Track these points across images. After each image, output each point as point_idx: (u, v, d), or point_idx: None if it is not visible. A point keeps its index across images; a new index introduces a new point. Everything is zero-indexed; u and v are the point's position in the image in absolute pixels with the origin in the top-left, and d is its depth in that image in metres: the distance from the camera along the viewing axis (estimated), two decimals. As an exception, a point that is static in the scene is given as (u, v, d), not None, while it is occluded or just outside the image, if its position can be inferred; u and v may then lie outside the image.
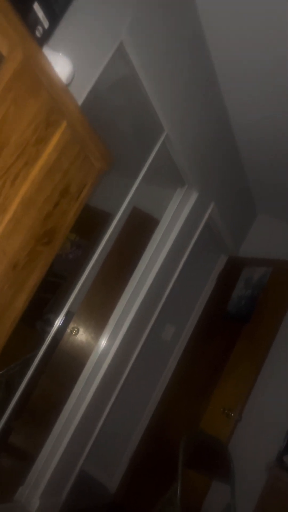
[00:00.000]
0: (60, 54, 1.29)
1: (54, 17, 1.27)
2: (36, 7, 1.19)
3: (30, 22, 1.19)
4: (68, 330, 3.25)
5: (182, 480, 2.37)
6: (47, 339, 2.45)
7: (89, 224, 3.30)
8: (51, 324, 3.06)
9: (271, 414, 3.10)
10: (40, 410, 2.95)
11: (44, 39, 1.28)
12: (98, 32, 1.78)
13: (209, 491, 2.94)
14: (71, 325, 3.26)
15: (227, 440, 2.95)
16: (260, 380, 3.11)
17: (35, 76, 1.09)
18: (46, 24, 1.24)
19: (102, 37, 1.81)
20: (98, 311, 3.20)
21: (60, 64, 1.26)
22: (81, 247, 3.77)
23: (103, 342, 2.75)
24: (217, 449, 2.76)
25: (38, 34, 1.24)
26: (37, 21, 1.21)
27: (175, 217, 2.93)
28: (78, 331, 3.25)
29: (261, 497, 2.60)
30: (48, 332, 2.75)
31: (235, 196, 3.56)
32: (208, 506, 2.88)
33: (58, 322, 2.60)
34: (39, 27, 1.22)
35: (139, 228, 3.29)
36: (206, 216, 3.14)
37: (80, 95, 1.80)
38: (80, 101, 1.80)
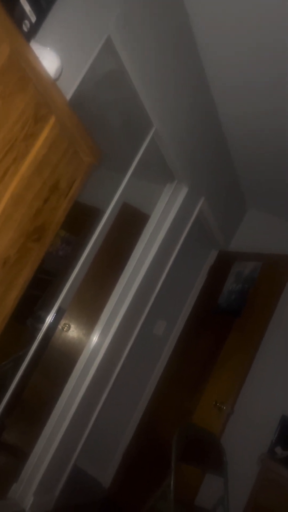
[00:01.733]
0: (48, 48, 1.28)
1: (41, 11, 1.26)
2: (23, 1, 1.18)
3: (16, 16, 1.18)
4: (60, 327, 3.24)
5: (175, 474, 2.39)
6: (38, 336, 2.44)
7: (79, 220, 3.28)
8: (42, 321, 3.05)
9: (263, 407, 3.13)
10: (33, 407, 2.94)
11: (31, 33, 1.26)
12: (85, 26, 1.76)
13: (202, 484, 2.96)
14: (62, 322, 3.25)
15: (220, 433, 2.97)
16: (252, 373, 3.13)
17: (23, 71, 1.08)
18: (33, 19, 1.23)
19: (90, 32, 1.80)
20: (89, 307, 3.20)
21: (47, 59, 1.24)
22: (71, 244, 3.76)
23: (94, 338, 2.75)
24: (210, 442, 2.79)
25: (25, 28, 1.23)
26: (24, 16, 1.20)
27: (165, 212, 2.93)
28: (69, 327, 3.24)
29: (254, 488, 2.63)
30: (39, 329, 2.75)
31: (225, 191, 3.57)
32: (201, 499, 2.90)
33: (49, 319, 2.59)
34: (26, 22, 1.21)
35: (130, 224, 3.28)
36: (196, 211, 3.15)
37: (68, 90, 1.78)
38: (68, 96, 1.79)
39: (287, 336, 3.25)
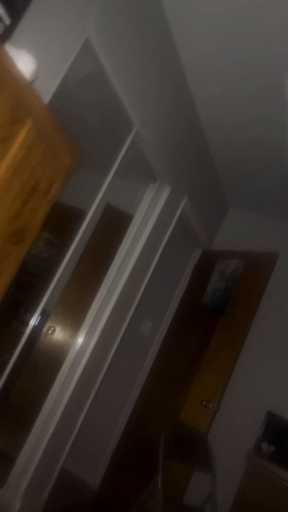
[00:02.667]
0: (24, 51, 1.28)
1: (16, 13, 1.26)
2: (-3, 3, 1.18)
3: (-10, 18, 1.17)
4: (45, 330, 3.23)
5: (163, 472, 2.40)
6: (22, 338, 2.43)
7: (63, 222, 3.28)
8: (27, 324, 3.04)
9: (248, 403, 3.17)
10: (19, 410, 2.93)
11: (5, 36, 1.26)
12: (63, 29, 1.77)
13: (191, 481, 2.98)
14: (48, 324, 3.24)
15: (207, 430, 3.00)
16: (237, 370, 3.17)
17: (-2, 73, 1.08)
18: (7, 21, 1.23)
19: (68, 34, 1.80)
20: (74, 309, 3.19)
21: (23, 61, 1.24)
22: (55, 246, 3.74)
23: (80, 339, 2.75)
24: (197, 440, 2.81)
25: (-1, 31, 1.23)
26: (-2, 18, 1.20)
27: (148, 212, 2.95)
28: (55, 330, 3.23)
29: (241, 483, 2.66)
30: (25, 332, 2.73)
31: (207, 190, 3.60)
32: (190, 496, 2.92)
33: (33, 321, 2.58)
34: (0, 24, 1.20)
35: (113, 225, 3.29)
36: (179, 210, 3.17)
37: (47, 91, 1.79)
38: (47, 97, 1.79)
39: (271, 333, 3.30)
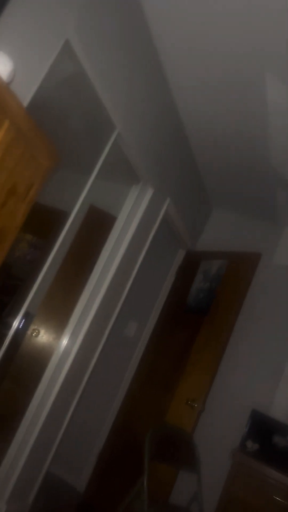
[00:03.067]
0: (0, 52, 1.27)
1: (-8, 14, 1.25)
2: (-28, 4, 1.17)
3: None
4: (29, 332, 3.21)
5: (149, 473, 2.40)
6: (5, 342, 2.41)
7: (46, 224, 3.27)
8: (10, 327, 3.02)
9: (234, 402, 3.19)
10: (3, 414, 2.90)
11: (-18, 37, 1.26)
12: (42, 30, 1.77)
13: (177, 481, 2.99)
14: (32, 327, 3.21)
15: (192, 430, 3.01)
16: (221, 369, 3.19)
17: (-27, 74, 1.08)
18: (-17, 22, 1.22)
19: (47, 35, 1.80)
20: (58, 311, 3.18)
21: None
22: (38, 248, 3.72)
23: (64, 341, 2.74)
24: (182, 440, 2.82)
25: (-24, 32, 1.22)
26: (-26, 19, 1.19)
27: (131, 214, 2.95)
28: (39, 332, 3.21)
29: (227, 482, 2.68)
30: (7, 335, 2.71)
31: (190, 192, 3.63)
32: (176, 496, 2.93)
33: (15, 324, 2.56)
34: (-24, 25, 1.20)
35: (97, 226, 3.29)
36: (162, 212, 3.18)
37: (27, 93, 1.78)
38: (27, 99, 1.79)
39: (254, 332, 3.34)
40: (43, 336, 3.21)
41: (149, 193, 2.98)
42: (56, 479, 3.32)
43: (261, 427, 3.00)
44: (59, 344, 2.76)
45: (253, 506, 2.54)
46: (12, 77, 1.32)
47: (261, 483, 2.58)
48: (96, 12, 1.99)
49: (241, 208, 3.77)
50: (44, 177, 1.39)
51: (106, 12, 2.04)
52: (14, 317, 3.06)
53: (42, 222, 3.62)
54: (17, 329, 2.77)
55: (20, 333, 3.02)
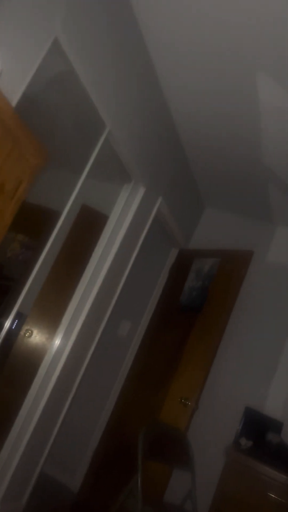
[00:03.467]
0: (-13, 50, 1.27)
1: (-22, 12, 1.24)
2: None
3: None
4: (22, 333, 3.19)
5: (142, 471, 2.40)
6: (-3, 342, 2.40)
7: (38, 223, 3.25)
8: (2, 327, 3.00)
9: (227, 400, 3.20)
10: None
11: None
12: (31, 29, 1.76)
13: (170, 479, 2.99)
14: (25, 327, 3.20)
15: (186, 428, 3.01)
16: (215, 367, 3.19)
17: None
18: None
19: (36, 34, 1.79)
20: (51, 311, 3.16)
21: (-14, 60, 1.23)
22: (31, 248, 3.71)
23: (57, 341, 2.73)
24: (176, 439, 2.82)
25: None
26: None
27: (123, 213, 2.95)
28: (31, 333, 3.20)
29: (221, 480, 2.68)
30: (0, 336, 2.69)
31: (182, 191, 3.63)
32: (170, 494, 2.93)
33: (7, 324, 2.55)
34: None
35: (89, 225, 3.28)
36: (154, 211, 3.18)
37: (16, 91, 1.77)
38: (16, 98, 1.77)
39: (247, 330, 3.35)
40: (36, 336, 3.20)
41: (141, 192, 2.98)
42: (50, 479, 3.31)
43: (254, 425, 3.00)
44: (52, 344, 2.75)
45: (247, 503, 2.55)
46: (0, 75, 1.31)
47: (255, 480, 2.59)
48: (85, 9, 1.99)
49: (233, 207, 3.78)
50: (33, 175, 1.38)
51: (95, 9, 2.04)
52: (7, 317, 3.05)
53: (34, 222, 3.61)
54: (10, 330, 2.76)
55: (13, 334, 3.00)
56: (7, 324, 2.57)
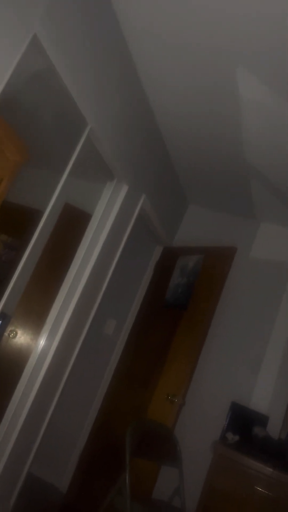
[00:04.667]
0: None
1: None
2: None
3: None
4: (6, 334, 3.16)
5: (130, 469, 2.40)
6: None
7: (20, 223, 3.23)
8: (-14, 328, 2.97)
9: (213, 395, 3.22)
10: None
11: None
12: (8, 25, 1.73)
13: (159, 476, 3.00)
14: (9, 328, 3.17)
15: (173, 425, 3.02)
16: (201, 363, 3.21)
17: None
18: None
19: (14, 30, 1.77)
20: (35, 311, 3.14)
21: None
22: (14, 248, 3.67)
23: (42, 342, 2.70)
24: (163, 435, 2.83)
25: None
26: None
27: (107, 211, 2.94)
28: (16, 333, 3.17)
29: (208, 475, 2.70)
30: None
31: (166, 188, 3.64)
32: (158, 491, 2.94)
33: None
34: None
35: (72, 224, 3.26)
36: (138, 208, 3.18)
37: (-6, 89, 1.75)
38: (-5, 95, 1.75)
39: (232, 326, 3.37)
40: (20, 337, 3.17)
41: (124, 190, 2.97)
42: (37, 480, 3.28)
43: (241, 419, 3.03)
44: (37, 344, 2.73)
45: (235, 497, 2.57)
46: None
47: (242, 474, 2.61)
48: (64, 5, 1.97)
49: (217, 204, 3.80)
50: (13, 172, 1.37)
51: (74, 5, 2.02)
52: (-10, 318, 3.01)
53: (17, 222, 3.57)
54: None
55: (-4, 335, 2.97)
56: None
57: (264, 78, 2.24)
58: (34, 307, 3.18)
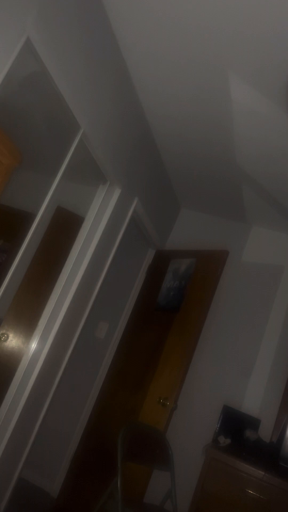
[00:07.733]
0: None
1: None
2: None
3: None
4: (-3, 337, 3.14)
5: (122, 473, 2.40)
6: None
7: (12, 226, 3.22)
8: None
9: (205, 398, 3.23)
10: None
11: None
12: (1, 28, 1.73)
13: (151, 480, 3.00)
14: (0, 331, 3.15)
15: (165, 428, 3.02)
16: (193, 366, 3.21)
17: None
18: None
19: (7, 34, 1.77)
20: (27, 314, 3.13)
21: None
22: (5, 251, 3.65)
23: (33, 345, 2.69)
24: (155, 439, 2.83)
25: None
26: None
27: (99, 214, 2.94)
28: (7, 337, 3.15)
29: (200, 478, 2.70)
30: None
31: (158, 192, 3.65)
32: (150, 495, 2.93)
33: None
34: None
35: (65, 227, 3.25)
36: (131, 211, 3.19)
37: (-13, 92, 1.75)
38: (-13, 98, 1.75)
39: (224, 329, 3.39)
40: (12, 340, 3.15)
41: (116, 193, 2.97)
42: (28, 485, 3.26)
43: (232, 422, 3.04)
44: (29, 348, 2.71)
45: (227, 500, 2.58)
46: None
47: (233, 477, 2.62)
48: (58, 8, 1.97)
49: (209, 208, 3.82)
50: (5, 175, 1.36)
51: (67, 8, 2.02)
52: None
53: (9, 225, 3.56)
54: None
55: (-12, 338, 2.95)
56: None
57: (255, 83, 2.26)
58: (26, 310, 3.16)
